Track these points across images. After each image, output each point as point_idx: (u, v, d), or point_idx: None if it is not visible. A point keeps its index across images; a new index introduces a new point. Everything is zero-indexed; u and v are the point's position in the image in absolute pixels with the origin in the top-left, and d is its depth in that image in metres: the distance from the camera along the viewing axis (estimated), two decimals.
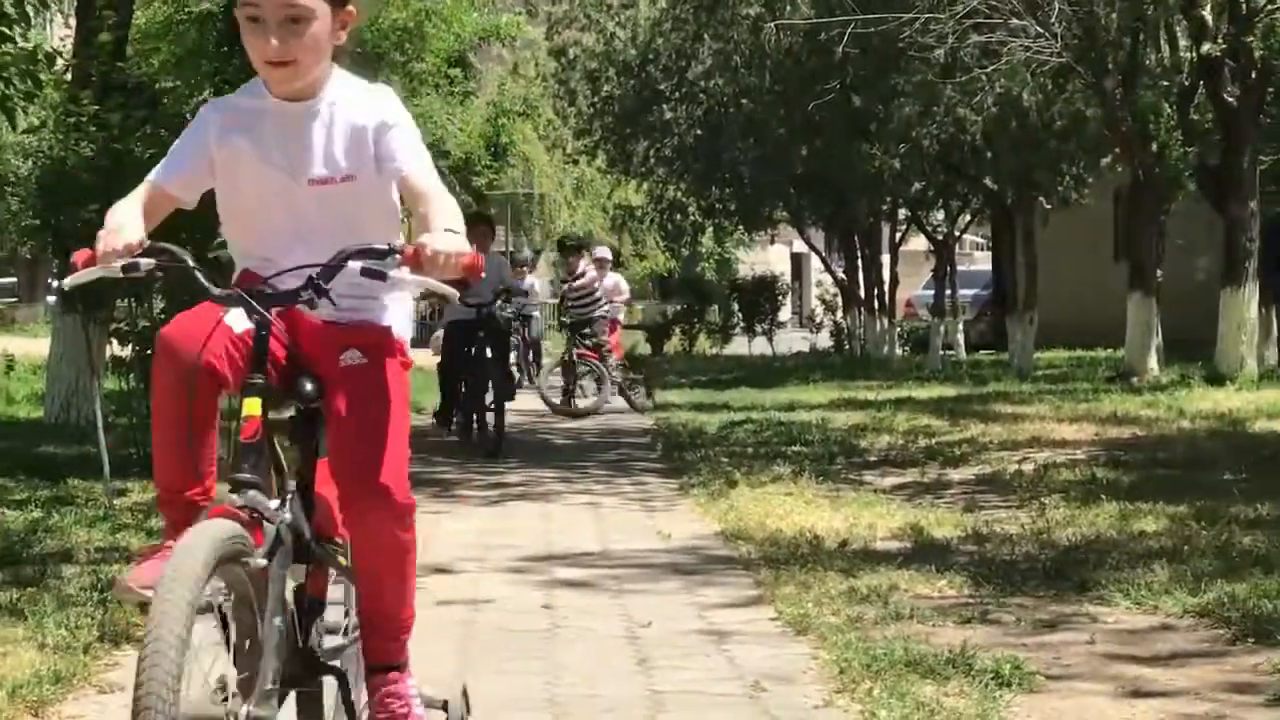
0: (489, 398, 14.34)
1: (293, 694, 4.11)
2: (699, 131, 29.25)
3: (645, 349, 38.48)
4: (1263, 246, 18.62)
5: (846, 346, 33.63)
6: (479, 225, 14.48)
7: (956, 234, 32.53)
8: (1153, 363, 19.42)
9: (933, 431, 14.24)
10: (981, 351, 31.97)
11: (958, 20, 18.33)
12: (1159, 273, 20.16)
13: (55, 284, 24.82)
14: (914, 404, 17.35)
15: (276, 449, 4.00)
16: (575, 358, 18.42)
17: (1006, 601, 6.84)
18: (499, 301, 14.66)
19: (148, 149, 11.24)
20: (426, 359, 25.31)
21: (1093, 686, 5.51)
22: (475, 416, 14.49)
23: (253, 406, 3.84)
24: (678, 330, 38.81)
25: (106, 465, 10.02)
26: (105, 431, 10.31)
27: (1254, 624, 6.20)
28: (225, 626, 3.70)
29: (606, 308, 18.86)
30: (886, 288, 31.61)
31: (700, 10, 25.82)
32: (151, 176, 4.30)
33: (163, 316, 11.79)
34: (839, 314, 35.68)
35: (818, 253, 36.55)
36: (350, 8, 4.13)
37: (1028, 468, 11.42)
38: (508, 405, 14.71)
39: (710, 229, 36.12)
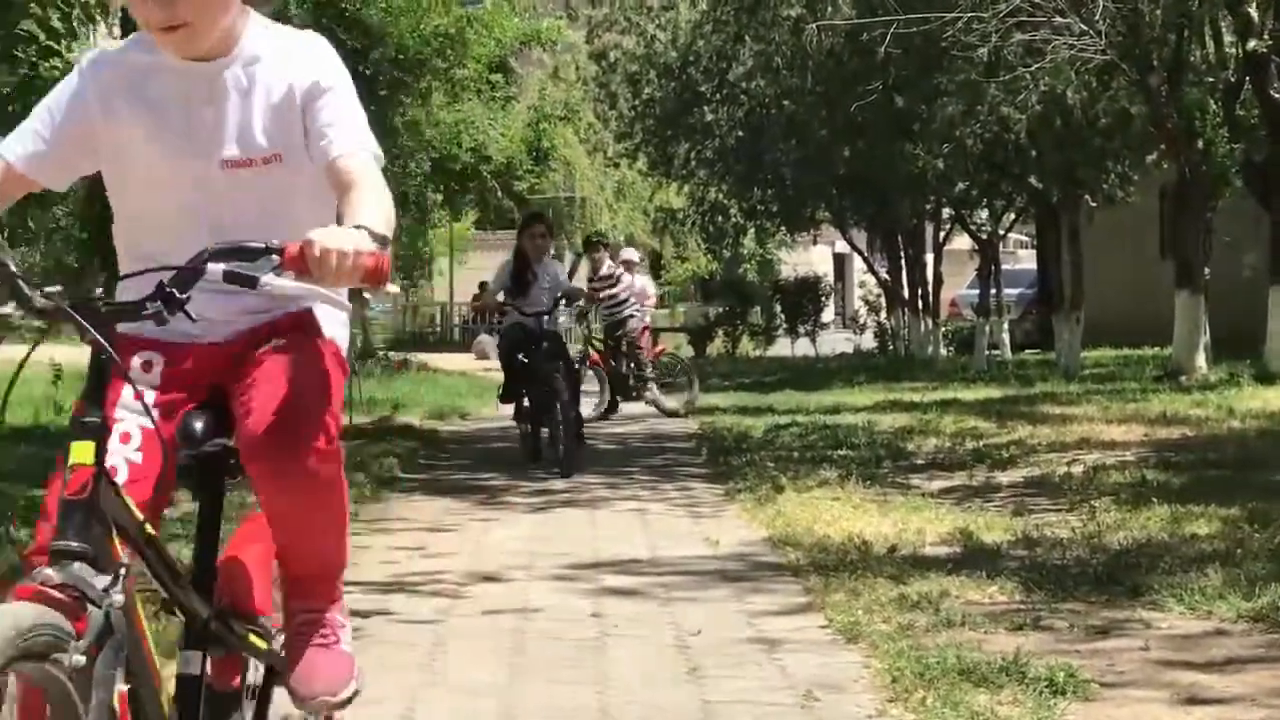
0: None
1: None
2: (740, 133, 29.23)
3: (688, 351, 38.52)
4: None
5: (890, 347, 33.57)
6: (534, 225, 13.90)
7: (1001, 233, 32.40)
8: (1201, 361, 19.31)
9: (980, 433, 14.18)
10: (1027, 351, 31.86)
11: (1001, 19, 18.25)
12: (1206, 270, 20.05)
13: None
14: (960, 405, 17.29)
15: (125, 504, 3.19)
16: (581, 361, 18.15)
17: (1058, 607, 6.80)
18: (560, 308, 13.70)
19: None
20: (468, 363, 25.46)
21: (1148, 694, 5.47)
22: (547, 434, 13.24)
23: (82, 453, 3.04)
24: (720, 332, 38.77)
25: None
26: None
27: None
28: None
29: (636, 309, 18.53)
30: (931, 288, 31.52)
31: (741, 12, 25.75)
32: None
33: None
34: (883, 315, 35.60)
35: (860, 253, 36.48)
36: None
37: (1077, 470, 11.35)
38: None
39: (752, 230, 36.10)
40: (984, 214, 31.75)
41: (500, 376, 13.97)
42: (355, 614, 6.97)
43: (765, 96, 27.98)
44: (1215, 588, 6.94)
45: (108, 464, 3.11)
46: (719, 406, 19.22)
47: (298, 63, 3.45)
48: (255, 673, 3.93)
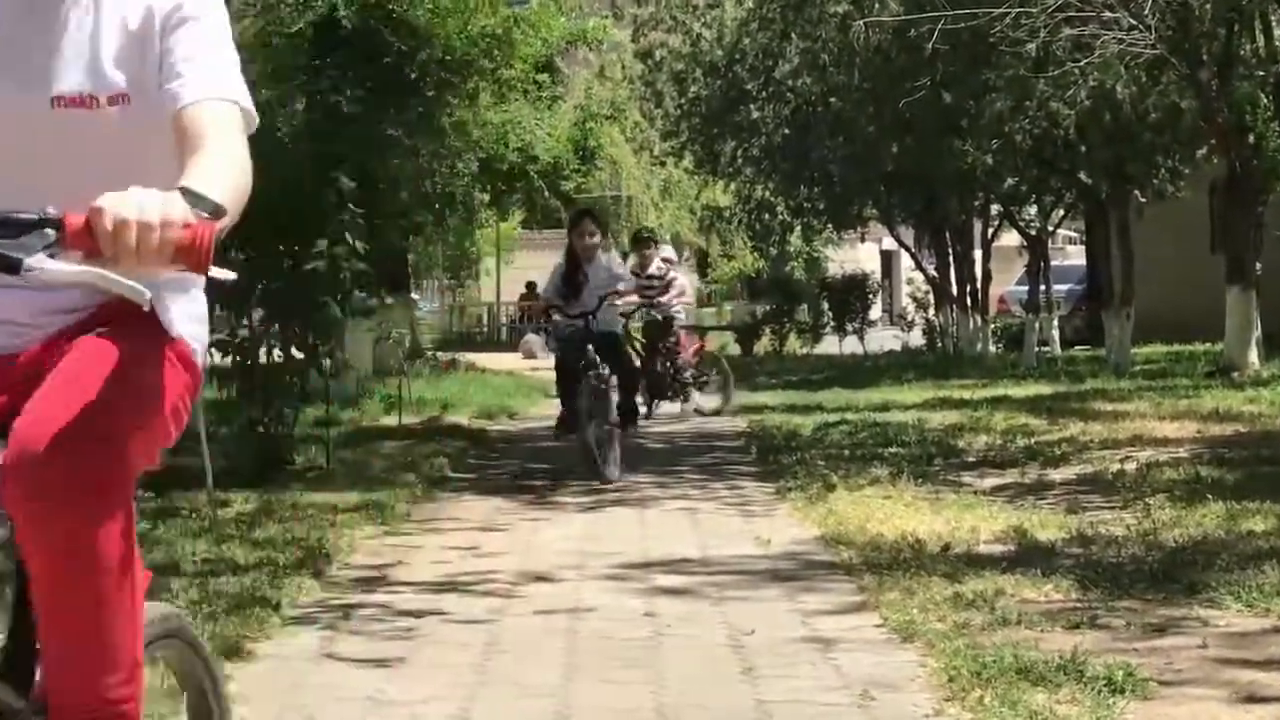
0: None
1: None
2: (787, 131, 29.17)
3: (734, 349, 38.47)
4: None
5: (939, 344, 33.43)
6: (582, 222, 13.19)
7: (1050, 229, 32.25)
8: (1253, 357, 19.18)
9: (1031, 431, 14.12)
10: (1077, 347, 31.70)
11: (1049, 14, 18.16)
12: (1257, 265, 19.90)
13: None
14: (1011, 402, 17.22)
15: None
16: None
17: (1115, 605, 6.76)
18: (607, 306, 12.81)
19: None
20: (516, 362, 25.53)
21: (1206, 692, 5.43)
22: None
23: None
24: (767, 330, 38.69)
25: (210, 476, 10.10)
26: (206, 442, 10.40)
27: None
28: None
29: (678, 309, 18.28)
30: (979, 284, 31.40)
31: (787, 9, 25.70)
32: None
33: (261, 326, 11.93)
34: (931, 312, 35.46)
35: (908, 250, 36.34)
36: None
37: (1130, 467, 11.28)
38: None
39: (799, 228, 36.01)
40: (1033, 210, 31.60)
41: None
42: (408, 614, 7.05)
43: (812, 94, 27.91)
44: (1273, 585, 6.89)
45: None
46: (767, 405, 19.18)
47: None
48: None
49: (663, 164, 37.97)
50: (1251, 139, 20.45)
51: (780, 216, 33.19)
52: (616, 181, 41.46)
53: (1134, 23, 18.16)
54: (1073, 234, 53.85)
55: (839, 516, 9.39)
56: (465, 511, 10.69)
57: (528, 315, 27.90)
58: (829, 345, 36.96)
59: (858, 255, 50.70)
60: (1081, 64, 19.20)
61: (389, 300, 20.22)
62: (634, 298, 14.70)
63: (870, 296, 38.40)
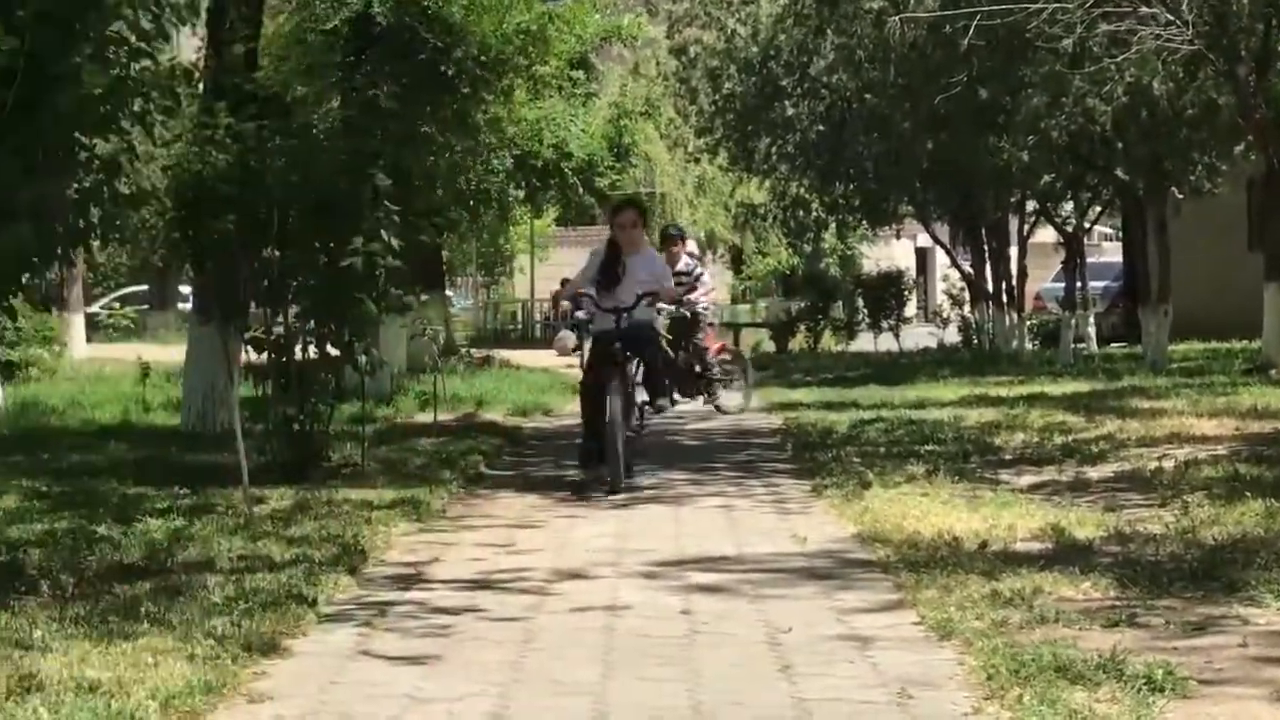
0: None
1: None
2: (821, 127, 29.09)
3: (769, 346, 38.40)
4: None
5: (975, 342, 33.30)
6: (623, 213, 12.35)
7: (1086, 226, 32.11)
8: None
9: (1068, 428, 14.06)
10: (1113, 345, 31.58)
11: (1086, 9, 18.10)
12: None
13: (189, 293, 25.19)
14: (1047, 400, 17.15)
15: None
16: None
17: (1154, 604, 6.72)
18: (644, 305, 11.93)
19: (281, 159, 11.41)
20: (550, 359, 25.50)
21: (1247, 691, 5.40)
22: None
23: None
24: (802, 327, 38.60)
25: (245, 473, 10.14)
26: (242, 439, 10.43)
27: None
28: None
29: (704, 306, 18.09)
30: (1015, 281, 31.28)
31: (822, 5, 25.63)
32: None
33: (297, 323, 11.96)
34: (966, 309, 35.34)
35: (944, 247, 36.23)
36: None
37: (1168, 465, 11.22)
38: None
39: (833, 225, 35.91)
40: (1069, 206, 31.47)
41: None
42: (443, 611, 7.04)
43: (847, 90, 27.83)
44: None
45: None
46: (802, 401, 19.14)
47: None
48: None
49: (697, 161, 37.93)
50: None
51: (815, 213, 33.06)
52: (651, 178, 41.48)
53: (1171, 18, 18.08)
54: (1108, 230, 53.65)
55: (875, 514, 9.36)
56: (500, 508, 10.69)
57: (557, 312, 27.77)
58: (864, 342, 36.85)
59: (892, 252, 50.56)
60: (1118, 60, 19.13)
61: (424, 297, 20.24)
62: (669, 305, 13.66)
63: (905, 293, 38.24)
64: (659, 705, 5.43)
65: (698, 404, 18.04)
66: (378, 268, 11.43)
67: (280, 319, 11.97)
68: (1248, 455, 11.43)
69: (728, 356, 19.05)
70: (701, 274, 18.15)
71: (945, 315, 37.43)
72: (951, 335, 35.57)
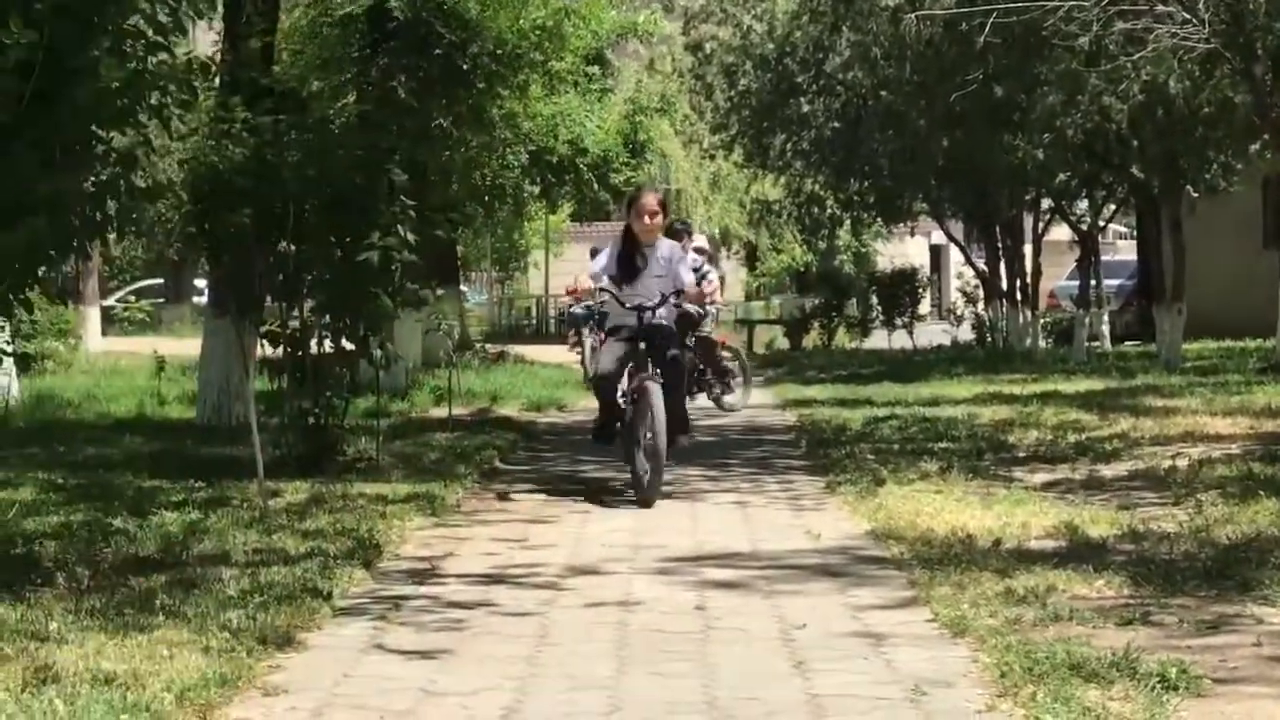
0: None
1: None
2: (837, 124, 29.08)
3: (783, 343, 38.39)
4: None
5: (989, 339, 33.29)
6: (643, 198, 11.38)
7: (1101, 224, 32.07)
8: None
9: (1082, 426, 14.05)
10: (1128, 343, 31.54)
11: (1102, 7, 18.06)
12: None
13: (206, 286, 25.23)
14: (1061, 398, 17.13)
15: None
16: None
17: (1168, 602, 6.72)
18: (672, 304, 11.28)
19: (297, 153, 11.42)
20: (564, 355, 25.54)
21: (1261, 690, 5.40)
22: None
23: None
24: (816, 324, 38.60)
25: (261, 466, 10.16)
26: (258, 432, 10.45)
27: None
28: None
29: (709, 303, 17.89)
30: (1029, 279, 31.26)
31: (838, 2, 25.62)
32: None
33: (312, 317, 11.97)
34: (980, 306, 35.31)
35: (958, 244, 36.23)
36: None
37: (1182, 463, 11.21)
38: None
39: (848, 222, 35.91)
40: (1084, 205, 31.44)
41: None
42: (458, 605, 7.06)
43: (862, 87, 27.82)
44: None
45: None
46: (816, 398, 19.14)
47: None
48: None
49: (712, 157, 37.96)
50: None
51: (830, 210, 33.08)
52: (666, 174, 41.46)
53: (1187, 16, 18.04)
54: (1123, 229, 53.58)
55: (889, 511, 9.36)
56: (515, 504, 10.70)
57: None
58: (878, 340, 36.86)
59: (906, 249, 50.55)
60: (1134, 58, 19.09)
61: (439, 292, 20.26)
62: (690, 306, 12.63)
63: (920, 291, 38.23)
64: (673, 700, 5.44)
65: (698, 401, 17.97)
66: (394, 262, 11.43)
67: (296, 313, 11.99)
68: (1262, 454, 11.41)
69: (727, 354, 19.02)
70: (708, 272, 18.07)
71: (959, 313, 37.41)
72: (965, 333, 35.55)
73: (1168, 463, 11.33)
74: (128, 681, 5.40)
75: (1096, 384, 19.44)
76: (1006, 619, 6.40)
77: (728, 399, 18.29)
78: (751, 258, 53.06)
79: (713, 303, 17.85)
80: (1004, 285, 32.06)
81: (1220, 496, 9.56)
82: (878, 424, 15.13)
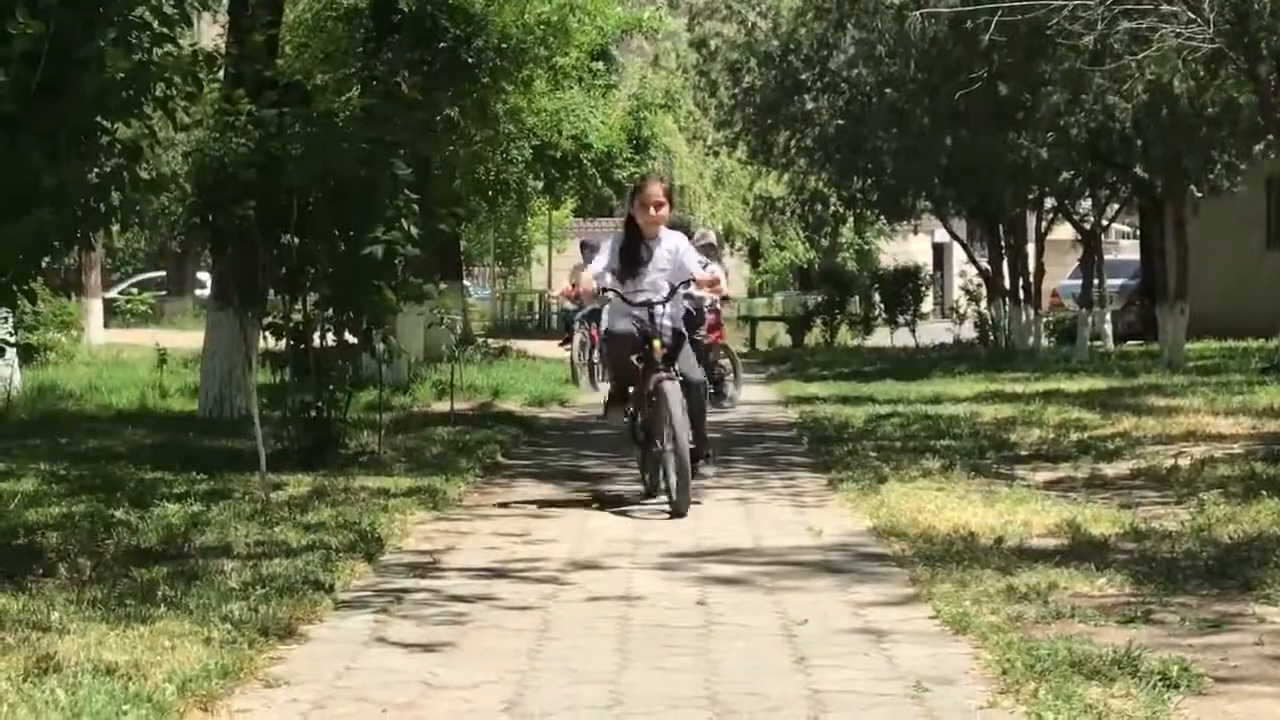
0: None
1: None
2: (841, 121, 29.07)
3: (786, 340, 38.39)
4: None
5: (991, 338, 33.28)
6: (652, 186, 10.61)
7: (1104, 223, 32.07)
8: None
9: (1084, 425, 14.04)
10: (1130, 342, 31.54)
11: (1107, 7, 18.06)
12: None
13: (208, 278, 25.24)
14: (1063, 396, 17.12)
15: None
16: None
17: (1169, 601, 6.72)
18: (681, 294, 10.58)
19: (301, 146, 11.42)
20: (567, 351, 25.52)
21: (1262, 689, 5.40)
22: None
23: None
24: (818, 322, 38.61)
25: (263, 459, 10.16)
26: (260, 425, 10.45)
27: None
28: None
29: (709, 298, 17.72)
30: (1032, 278, 31.26)
31: (843, 0, 25.67)
32: None
33: (315, 310, 11.98)
34: (983, 305, 35.31)
35: (961, 243, 36.23)
36: None
37: (1184, 463, 11.21)
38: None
39: (851, 219, 35.90)
40: (1087, 204, 31.43)
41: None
42: (459, 599, 7.06)
43: (867, 84, 27.82)
44: None
45: None
46: (818, 396, 19.14)
47: None
48: None
49: (716, 154, 37.96)
50: None
51: (833, 207, 33.09)
52: (670, 171, 41.43)
53: (1192, 16, 18.03)
54: (1126, 228, 53.55)
55: (891, 508, 9.36)
56: (517, 498, 10.70)
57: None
58: (880, 338, 36.86)
59: (910, 247, 50.55)
60: (1139, 57, 19.09)
61: (442, 287, 20.27)
62: (706, 292, 11.52)
63: (922, 289, 38.24)
64: (675, 695, 5.44)
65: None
66: (397, 256, 11.44)
67: (299, 306, 11.99)
68: (1264, 454, 11.41)
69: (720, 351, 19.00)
70: (712, 268, 18.02)
71: (962, 311, 37.41)
72: (968, 331, 35.54)
73: (1170, 462, 11.32)
74: (129, 672, 5.41)
75: (1099, 383, 19.43)
76: (1008, 616, 6.41)
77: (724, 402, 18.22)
78: (754, 255, 53.04)
79: (726, 298, 17.78)
80: (1007, 284, 32.04)
81: (1222, 496, 9.57)
82: (880, 421, 15.13)
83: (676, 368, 10.21)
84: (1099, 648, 5.72)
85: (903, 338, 35.72)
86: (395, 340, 12.49)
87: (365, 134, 11.94)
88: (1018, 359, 26.68)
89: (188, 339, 25.76)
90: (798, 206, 33.44)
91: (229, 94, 11.47)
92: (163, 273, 49.73)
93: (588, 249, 21.64)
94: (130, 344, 27.82)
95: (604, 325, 11.13)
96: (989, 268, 33.41)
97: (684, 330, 10.62)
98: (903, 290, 37.09)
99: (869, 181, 30.87)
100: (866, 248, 53.22)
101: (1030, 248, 31.77)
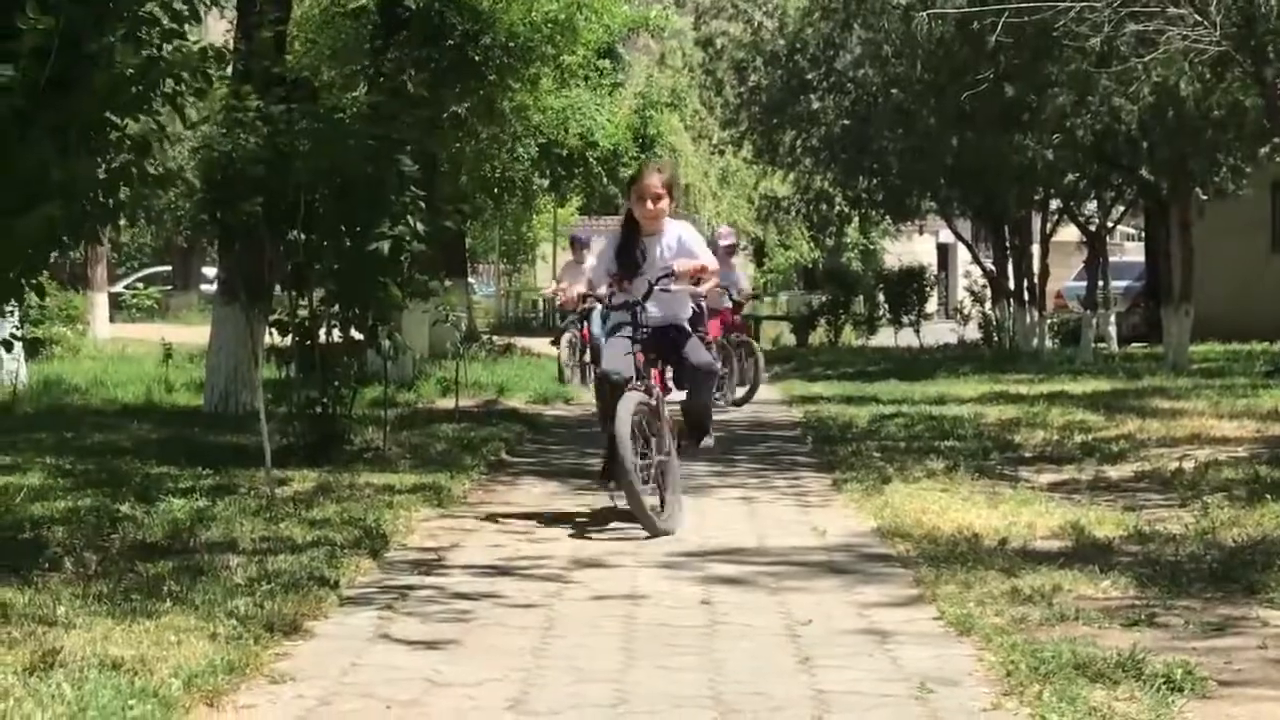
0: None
1: None
2: (846, 121, 29.07)
3: (790, 340, 38.39)
4: None
5: (995, 339, 33.30)
6: (643, 180, 9.50)
7: (1109, 225, 32.07)
8: None
9: (1088, 427, 14.05)
10: (1134, 344, 31.54)
11: (1114, 9, 18.05)
12: None
13: (214, 274, 25.26)
14: (1067, 398, 17.13)
15: None
16: None
17: (1173, 604, 6.73)
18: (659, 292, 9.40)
19: (310, 142, 11.44)
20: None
21: (1265, 693, 5.41)
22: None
23: None
24: (823, 321, 38.62)
25: (269, 454, 10.17)
26: (265, 421, 10.47)
27: None
28: None
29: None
30: (1036, 279, 31.26)
31: (850, 0, 25.67)
32: None
33: (321, 307, 11.99)
34: (987, 306, 35.32)
35: (966, 243, 36.24)
36: None
37: (1188, 465, 11.21)
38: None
39: (856, 219, 35.90)
40: (1092, 206, 31.43)
41: None
42: (464, 596, 7.07)
43: (873, 85, 27.81)
44: None
45: None
46: (822, 395, 19.16)
47: None
48: None
49: (721, 153, 37.97)
50: None
51: (838, 207, 33.09)
52: (675, 169, 41.42)
53: (1199, 19, 18.02)
54: (1130, 230, 53.54)
55: (895, 509, 9.36)
56: (521, 496, 10.72)
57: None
58: (884, 338, 36.86)
59: (914, 248, 50.57)
60: (1145, 60, 19.08)
61: (448, 283, 20.27)
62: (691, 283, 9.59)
63: (927, 289, 38.24)
64: (679, 694, 5.45)
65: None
66: (403, 253, 11.46)
67: (305, 302, 12.00)
68: (1268, 458, 11.41)
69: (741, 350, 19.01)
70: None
71: (966, 312, 37.41)
72: (972, 332, 35.56)
73: (1174, 464, 11.33)
74: (135, 667, 5.41)
75: (1103, 385, 19.44)
76: (1012, 618, 6.41)
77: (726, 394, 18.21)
78: (759, 254, 53.03)
79: (754, 296, 17.66)
80: (1011, 285, 32.07)
81: (1226, 499, 9.57)
82: (884, 422, 15.14)
83: (688, 357, 9.51)
84: (1103, 650, 5.73)
85: (907, 338, 35.71)
86: (400, 337, 12.51)
87: (372, 131, 11.95)
88: (1022, 360, 26.69)
89: (193, 334, 25.78)
90: (803, 206, 33.44)
91: (237, 90, 11.49)
92: (168, 267, 49.75)
93: (578, 244, 21.70)
94: (135, 338, 27.84)
95: (593, 327, 10.71)
96: (993, 269, 33.42)
97: (683, 323, 9.71)
98: (907, 291, 37.09)
99: (874, 181, 30.88)
100: (871, 248, 53.24)
101: (1035, 249, 31.79)
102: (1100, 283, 29.68)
